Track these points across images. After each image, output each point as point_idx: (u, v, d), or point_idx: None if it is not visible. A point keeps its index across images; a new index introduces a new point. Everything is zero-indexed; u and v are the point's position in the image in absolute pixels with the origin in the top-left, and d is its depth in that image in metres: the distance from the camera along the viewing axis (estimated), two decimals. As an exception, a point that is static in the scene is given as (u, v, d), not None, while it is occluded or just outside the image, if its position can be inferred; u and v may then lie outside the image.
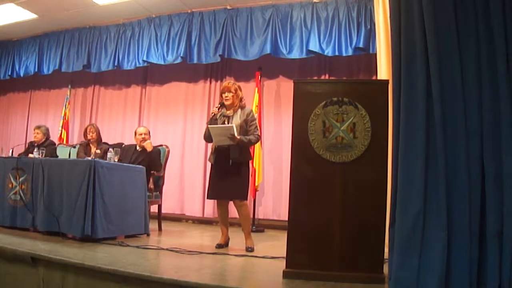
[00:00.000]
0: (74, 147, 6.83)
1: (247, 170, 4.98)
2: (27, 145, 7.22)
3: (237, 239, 5.24)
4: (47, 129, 7.35)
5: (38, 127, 7.22)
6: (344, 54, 6.99)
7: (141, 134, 6.44)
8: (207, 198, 5.24)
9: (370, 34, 6.72)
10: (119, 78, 9.20)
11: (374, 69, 5.88)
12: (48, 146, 6.88)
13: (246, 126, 4.95)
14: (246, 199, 5.02)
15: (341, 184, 3.52)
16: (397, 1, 3.25)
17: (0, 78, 10.03)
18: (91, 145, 6.72)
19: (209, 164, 5.15)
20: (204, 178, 7.82)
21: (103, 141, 6.89)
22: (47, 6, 8.14)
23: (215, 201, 5.37)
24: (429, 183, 2.97)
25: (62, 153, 7.12)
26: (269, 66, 7.75)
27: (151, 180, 6.29)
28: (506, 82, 2.83)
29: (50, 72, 9.30)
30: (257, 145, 7.01)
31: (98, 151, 6.46)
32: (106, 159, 5.49)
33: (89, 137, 6.77)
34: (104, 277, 3.54)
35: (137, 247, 4.72)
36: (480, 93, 2.94)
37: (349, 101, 3.53)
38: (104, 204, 4.99)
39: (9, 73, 9.83)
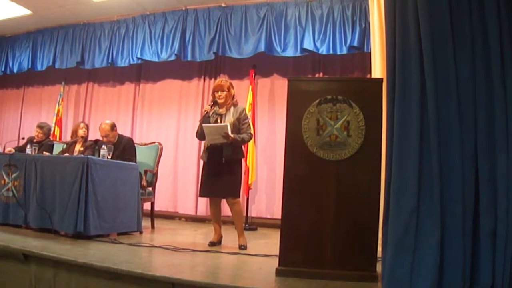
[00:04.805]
0: (67, 144, 6.79)
1: (239, 168, 4.98)
2: (25, 140, 7.17)
3: (230, 237, 5.24)
4: (49, 129, 7.35)
5: (41, 127, 7.16)
6: (338, 53, 7.00)
7: (103, 136, 6.28)
8: (200, 196, 5.25)
9: (365, 33, 6.73)
10: (112, 75, 9.17)
11: (368, 67, 5.88)
12: (45, 144, 6.86)
13: (239, 124, 4.94)
14: (239, 197, 5.03)
15: (334, 182, 3.52)
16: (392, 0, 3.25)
17: (-6, 74, 9.99)
18: (77, 143, 6.67)
19: (202, 162, 5.14)
20: (197, 176, 7.79)
21: (96, 138, 6.83)
22: (41, 2, 8.11)
23: (208, 199, 5.37)
24: (422, 182, 2.96)
25: (55, 150, 7.08)
26: (263, 64, 7.75)
27: (144, 177, 6.26)
28: (500, 82, 2.83)
29: (43, 69, 9.27)
30: (250, 143, 7.00)
31: (82, 148, 6.41)
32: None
33: (81, 133, 6.72)
34: (97, 274, 3.53)
35: (130, 244, 4.71)
36: (474, 92, 2.94)
37: (343, 99, 3.53)
38: (96, 201, 4.97)
39: (2, 69, 9.78)
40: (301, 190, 3.58)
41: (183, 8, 8.04)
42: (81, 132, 6.73)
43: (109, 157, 5.48)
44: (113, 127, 6.24)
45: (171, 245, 4.70)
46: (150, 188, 6.44)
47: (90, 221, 4.85)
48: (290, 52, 7.30)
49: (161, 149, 6.73)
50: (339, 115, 3.53)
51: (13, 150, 6.33)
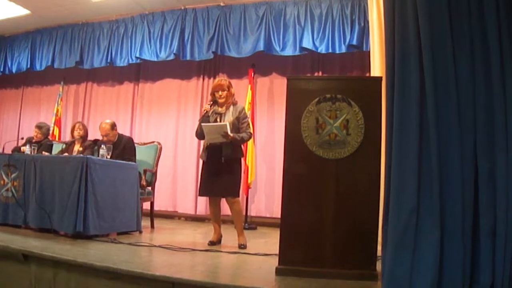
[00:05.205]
0: (66, 144, 6.78)
1: (239, 167, 4.98)
2: (24, 140, 7.15)
3: (229, 236, 5.24)
4: (48, 129, 7.37)
5: (40, 127, 7.16)
6: (337, 52, 7.00)
7: (103, 135, 6.28)
8: (199, 195, 5.25)
9: (364, 32, 6.73)
10: (111, 74, 9.17)
11: (367, 66, 5.89)
12: (44, 144, 6.86)
13: (238, 123, 4.94)
14: (238, 196, 5.03)
15: (334, 181, 3.52)
16: (391, -2, 3.25)
17: (-8, 74, 9.98)
18: (75, 143, 6.64)
19: (201, 161, 5.14)
20: (196, 175, 7.80)
21: (95, 138, 6.80)
22: (40, 2, 8.10)
23: (207, 198, 5.37)
24: (422, 181, 2.96)
25: (54, 150, 7.08)
26: (262, 63, 7.75)
27: (143, 177, 6.26)
28: (500, 81, 2.83)
29: (42, 69, 9.27)
30: (249, 142, 6.99)
31: (81, 148, 6.39)
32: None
33: (75, 134, 6.67)
34: (96, 274, 3.52)
35: (129, 244, 4.71)
36: (474, 91, 2.93)
37: (342, 98, 3.53)
38: (96, 200, 4.97)
39: (1, 70, 9.78)
40: (300, 189, 3.57)
41: (182, 8, 8.05)
42: (76, 133, 6.68)
43: (108, 156, 5.47)
44: (113, 126, 6.23)
45: (171, 244, 4.70)
46: (149, 188, 6.44)
47: (89, 221, 4.85)
48: (289, 51, 7.30)
49: (161, 148, 6.73)
50: (339, 114, 3.53)
51: (27, 149, 6.26)
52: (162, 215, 8.05)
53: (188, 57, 7.90)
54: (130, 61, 8.39)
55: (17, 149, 6.83)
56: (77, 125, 6.76)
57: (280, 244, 3.54)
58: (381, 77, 3.71)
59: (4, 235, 4.70)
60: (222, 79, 5.22)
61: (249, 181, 7.32)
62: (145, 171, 6.34)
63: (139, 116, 8.89)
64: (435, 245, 2.83)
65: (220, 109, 5.01)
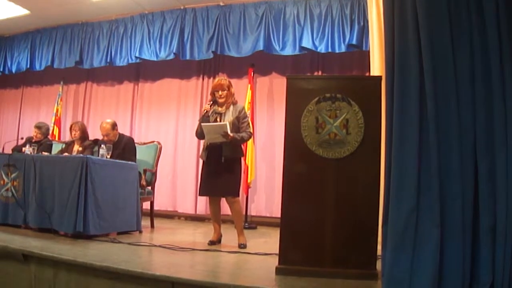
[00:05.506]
0: (66, 143, 6.77)
1: (239, 166, 4.98)
2: (24, 140, 7.14)
3: (229, 236, 5.24)
4: (47, 129, 7.37)
5: (39, 127, 7.15)
6: (337, 51, 6.99)
7: (103, 135, 6.28)
8: (199, 195, 5.24)
9: (363, 31, 6.73)
10: (111, 74, 9.16)
11: (367, 66, 5.88)
12: (43, 143, 6.85)
13: (238, 123, 4.93)
14: (238, 196, 5.03)
15: (333, 181, 3.52)
16: (391, -2, 3.25)
17: (-8, 74, 9.97)
18: (75, 143, 6.62)
19: (201, 161, 5.14)
20: (196, 175, 7.80)
21: (95, 138, 6.79)
22: (40, 2, 8.10)
23: (207, 198, 5.37)
24: (422, 180, 2.96)
25: (54, 149, 7.07)
26: (262, 63, 7.75)
27: (143, 176, 6.26)
28: (499, 80, 2.83)
29: (42, 69, 9.27)
30: (249, 142, 6.98)
31: (80, 148, 6.38)
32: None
33: (72, 135, 6.66)
34: (96, 274, 3.53)
35: (129, 243, 4.71)
36: (474, 90, 2.94)
37: (342, 97, 3.53)
38: (96, 200, 4.97)
39: (1, 70, 9.78)
40: (300, 188, 3.57)
41: (182, 7, 8.05)
42: (72, 134, 6.66)
43: (108, 156, 5.47)
44: (114, 126, 6.23)
45: (171, 244, 4.70)
46: (149, 187, 6.44)
47: (89, 221, 4.85)
48: (288, 51, 7.29)
49: (160, 148, 6.74)
50: (338, 113, 3.53)
51: (27, 149, 6.22)
52: (162, 214, 8.05)
53: (188, 57, 7.89)
54: (130, 61, 8.39)
55: (17, 149, 6.82)
56: (73, 126, 6.71)
57: (280, 243, 3.54)
58: (381, 77, 3.71)
59: (4, 235, 4.70)
60: (222, 78, 5.21)
61: (249, 181, 7.31)
62: (145, 170, 6.34)
63: (139, 116, 8.88)
64: (435, 244, 2.83)
65: (220, 108, 5.01)
